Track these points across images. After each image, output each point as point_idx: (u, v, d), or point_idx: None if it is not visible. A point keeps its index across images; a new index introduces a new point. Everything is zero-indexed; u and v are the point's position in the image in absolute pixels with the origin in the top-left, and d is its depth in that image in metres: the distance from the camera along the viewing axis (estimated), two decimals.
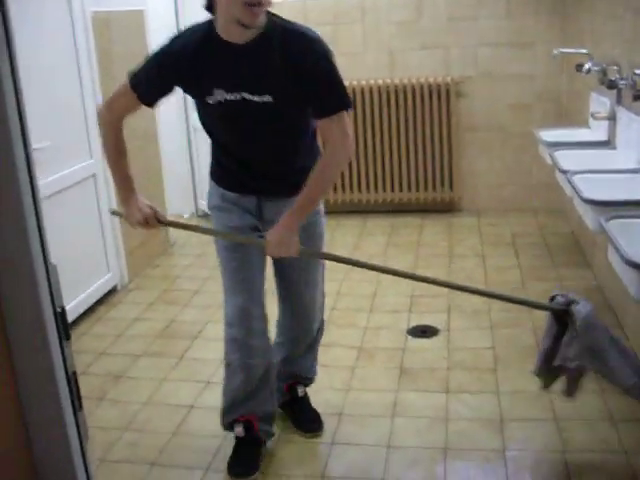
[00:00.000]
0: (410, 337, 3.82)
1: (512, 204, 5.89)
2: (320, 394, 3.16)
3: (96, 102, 4.19)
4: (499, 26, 5.59)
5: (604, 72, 3.93)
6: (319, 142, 2.66)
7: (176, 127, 5.95)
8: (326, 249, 2.83)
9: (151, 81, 2.44)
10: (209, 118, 2.52)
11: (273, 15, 2.35)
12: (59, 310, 1.39)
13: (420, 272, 4.65)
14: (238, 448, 2.80)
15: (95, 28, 4.33)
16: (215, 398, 2.91)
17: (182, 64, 2.36)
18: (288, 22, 2.37)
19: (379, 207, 6.06)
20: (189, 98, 2.57)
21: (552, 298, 2.59)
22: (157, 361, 3.73)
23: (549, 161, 4.00)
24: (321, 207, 2.72)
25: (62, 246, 3.90)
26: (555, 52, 4.83)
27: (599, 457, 2.74)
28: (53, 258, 1.47)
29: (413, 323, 3.96)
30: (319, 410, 3.08)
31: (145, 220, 2.56)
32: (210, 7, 2.33)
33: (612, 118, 3.93)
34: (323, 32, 5.40)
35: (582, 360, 2.41)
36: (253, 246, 2.57)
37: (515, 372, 3.37)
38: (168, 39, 2.44)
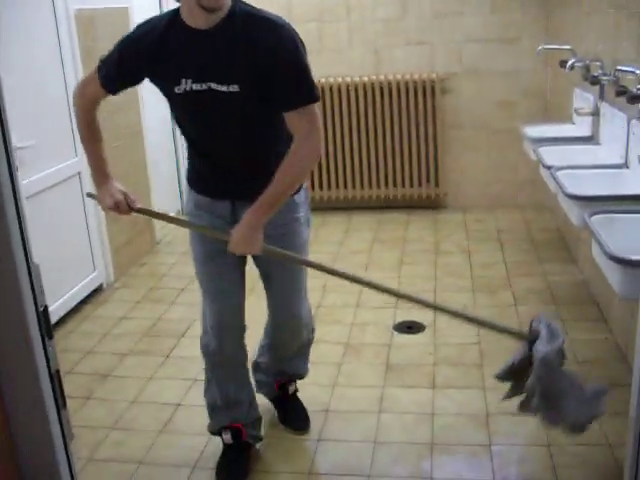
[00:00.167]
0: (396, 333, 3.83)
1: (498, 200, 5.91)
2: (306, 390, 3.16)
3: None
4: (484, 22, 5.60)
5: (587, 68, 3.95)
6: None
7: (162, 125, 5.93)
8: (311, 246, 2.78)
9: (112, 69, 2.37)
10: (178, 111, 2.43)
11: (239, 0, 2.27)
12: (42, 309, 1.39)
13: (406, 268, 4.73)
14: (227, 453, 2.79)
15: (79, 26, 4.31)
16: (202, 396, 2.91)
17: (145, 51, 2.29)
18: (253, 8, 2.27)
19: (365, 203, 6.07)
20: None
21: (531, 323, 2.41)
22: (144, 359, 3.72)
23: (533, 157, 4.02)
24: (301, 215, 2.60)
25: (47, 244, 3.90)
26: (539, 48, 4.85)
27: (584, 450, 2.76)
28: (38, 257, 1.47)
29: (399, 319, 3.97)
30: (305, 406, 3.09)
31: (116, 205, 2.52)
32: None
33: (596, 114, 3.95)
34: (308, 29, 5.40)
35: (536, 401, 2.21)
36: (229, 257, 2.46)
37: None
38: (134, 27, 2.39)
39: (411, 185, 5.94)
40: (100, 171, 2.56)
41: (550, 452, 2.75)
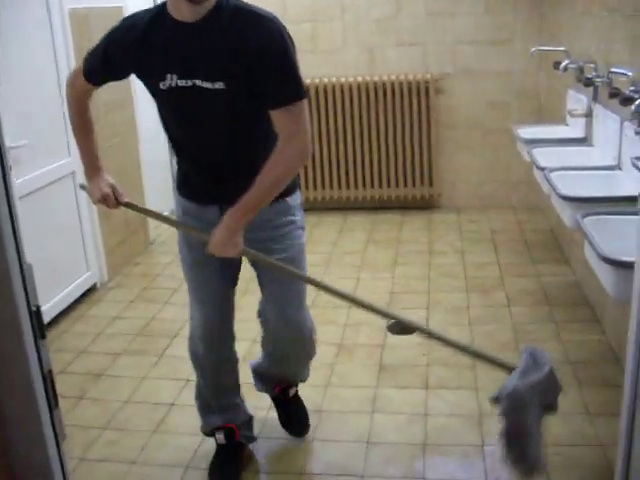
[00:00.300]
0: (389, 333, 3.83)
1: (491, 201, 5.93)
2: (300, 391, 3.16)
3: None
4: (477, 22, 5.61)
5: (581, 70, 3.97)
6: None
7: (156, 124, 5.91)
8: (306, 246, 2.68)
9: (96, 62, 2.34)
10: (164, 109, 2.36)
11: None
12: (34, 309, 1.39)
13: (400, 268, 4.74)
14: (220, 453, 2.79)
15: (73, 25, 4.31)
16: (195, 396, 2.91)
17: (130, 45, 2.23)
18: (240, 1, 2.20)
19: (359, 204, 6.07)
20: None
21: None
22: (137, 359, 3.72)
23: (527, 158, 4.03)
24: (297, 218, 2.51)
25: (41, 244, 3.89)
26: (533, 50, 4.86)
27: (576, 451, 2.77)
28: (32, 256, 1.47)
29: (393, 320, 3.97)
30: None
31: (103, 198, 2.50)
32: None
33: (589, 115, 3.96)
34: (302, 29, 5.40)
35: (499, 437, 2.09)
36: (217, 264, 2.42)
37: (493, 368, 3.39)
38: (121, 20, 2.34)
39: (405, 185, 5.95)
40: (90, 164, 2.54)
41: None
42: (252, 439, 2.87)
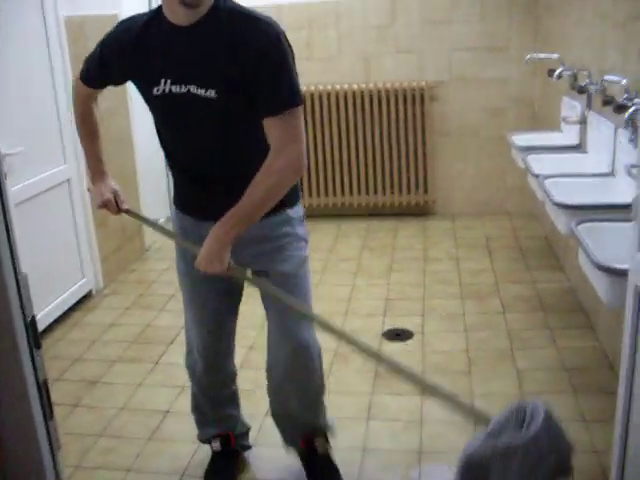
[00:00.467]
0: (385, 340, 3.84)
1: (486, 207, 5.94)
2: None
3: (70, 107, 4.17)
4: (473, 30, 5.63)
5: (575, 77, 3.98)
6: None
7: (152, 130, 5.92)
8: (309, 260, 2.53)
9: (93, 67, 2.33)
10: (157, 116, 2.31)
11: None
12: (29, 319, 1.39)
13: (395, 275, 4.75)
14: (215, 460, 2.79)
15: (69, 33, 4.31)
16: (191, 403, 2.90)
17: (125, 48, 2.20)
18: (237, 4, 2.15)
19: (354, 211, 6.08)
20: None
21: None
22: (133, 366, 3.72)
23: (522, 165, 4.04)
24: (298, 231, 2.40)
25: (37, 251, 3.89)
26: (527, 57, 4.88)
27: None
28: (27, 263, 1.48)
29: (388, 326, 3.98)
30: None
31: (104, 204, 2.50)
32: None
33: (583, 122, 3.98)
34: (298, 37, 5.41)
35: None
36: (218, 281, 2.32)
37: (489, 374, 3.40)
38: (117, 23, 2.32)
39: (400, 192, 5.96)
40: (95, 168, 2.55)
41: None
42: (247, 447, 2.87)
